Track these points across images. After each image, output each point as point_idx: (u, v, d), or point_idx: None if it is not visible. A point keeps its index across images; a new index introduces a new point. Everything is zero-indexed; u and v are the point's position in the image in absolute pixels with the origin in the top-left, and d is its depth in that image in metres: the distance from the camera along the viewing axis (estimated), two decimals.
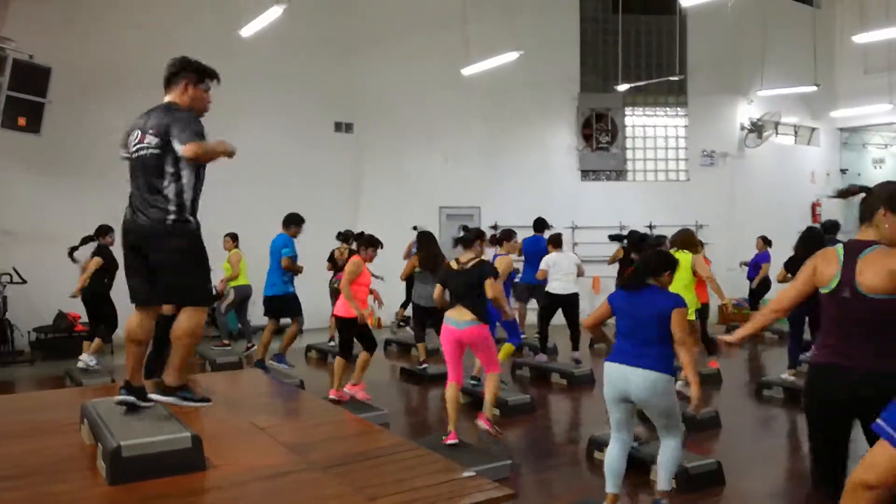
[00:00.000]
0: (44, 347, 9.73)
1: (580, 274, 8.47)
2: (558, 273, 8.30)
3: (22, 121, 7.94)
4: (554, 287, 8.32)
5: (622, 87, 12.37)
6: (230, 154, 3.38)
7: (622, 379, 3.85)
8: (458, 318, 5.22)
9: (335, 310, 6.75)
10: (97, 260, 7.89)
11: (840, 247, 2.98)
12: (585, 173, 13.51)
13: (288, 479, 3.10)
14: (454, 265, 5.45)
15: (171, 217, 3.34)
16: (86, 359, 7.96)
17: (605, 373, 3.97)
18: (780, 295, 3.22)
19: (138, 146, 3.43)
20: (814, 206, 15.03)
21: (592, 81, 13.46)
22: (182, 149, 3.26)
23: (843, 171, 15.88)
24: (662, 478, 4.08)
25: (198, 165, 3.41)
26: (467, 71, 10.68)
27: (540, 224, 9.80)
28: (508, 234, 8.01)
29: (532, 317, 10.82)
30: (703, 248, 7.13)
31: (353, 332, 6.51)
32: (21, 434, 3.73)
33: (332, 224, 11.46)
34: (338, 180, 12.39)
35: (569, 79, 13.27)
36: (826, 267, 2.96)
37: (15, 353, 9.44)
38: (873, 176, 16.83)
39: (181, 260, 3.38)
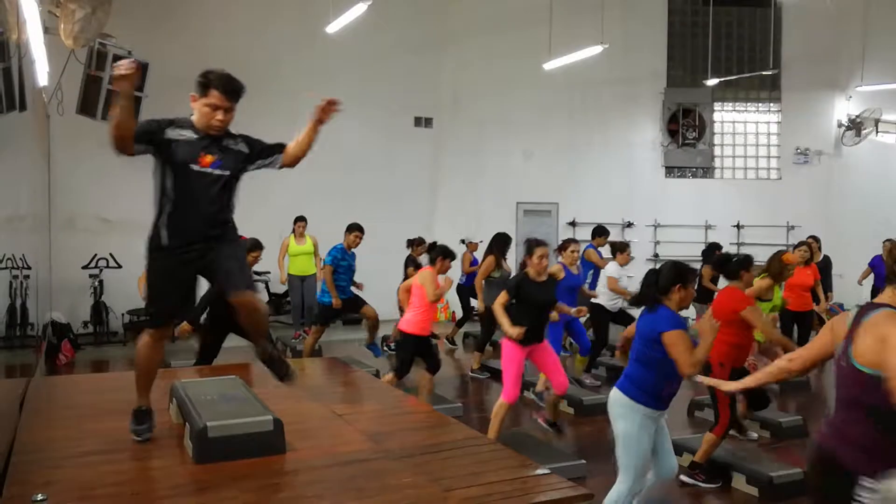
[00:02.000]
0: (136, 329, 10.21)
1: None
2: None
3: None
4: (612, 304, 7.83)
5: (711, 82, 11.95)
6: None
7: None
8: None
9: (400, 323, 6.22)
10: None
11: (856, 307, 2.50)
12: (670, 170, 13.13)
13: (364, 466, 3.14)
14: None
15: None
16: None
17: None
18: (801, 351, 2.68)
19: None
20: None
21: (680, 76, 13.07)
22: None
23: None
24: None
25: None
26: (549, 66, 10.54)
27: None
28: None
29: None
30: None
31: (412, 351, 5.94)
32: (116, 411, 3.91)
33: (410, 218, 11.60)
34: (416, 174, 12.49)
35: (655, 73, 12.92)
36: (840, 328, 2.43)
37: (110, 334, 9.96)
38: None
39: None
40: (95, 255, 9.88)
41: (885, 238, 9.77)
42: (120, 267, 9.97)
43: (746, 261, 5.08)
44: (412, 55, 12.16)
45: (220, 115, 3.27)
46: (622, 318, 7.75)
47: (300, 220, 9.59)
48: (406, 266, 9.29)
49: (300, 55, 11.23)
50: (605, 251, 8.82)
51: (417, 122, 12.68)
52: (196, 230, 3.26)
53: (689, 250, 11.94)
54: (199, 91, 3.30)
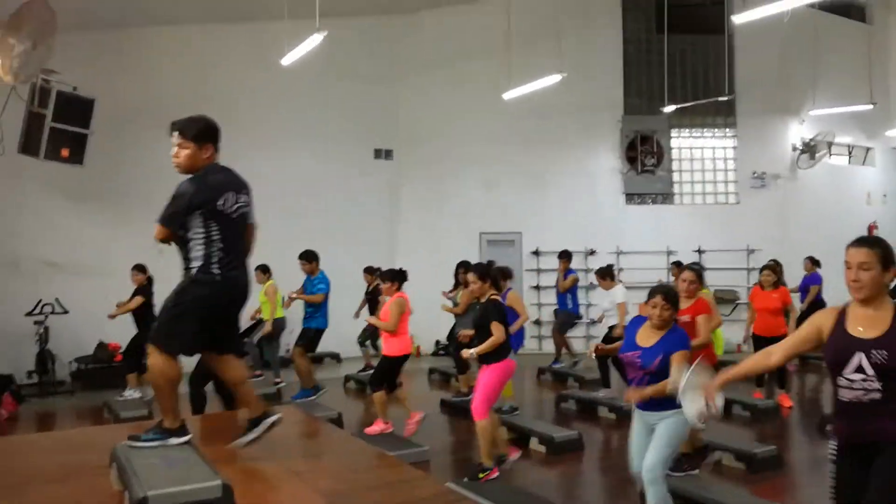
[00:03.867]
0: (84, 377, 9.73)
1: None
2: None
3: (65, 152, 7.94)
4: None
5: (668, 109, 12.05)
6: None
7: None
8: None
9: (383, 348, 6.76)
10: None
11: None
12: (630, 196, 13.16)
13: None
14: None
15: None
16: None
17: None
18: (781, 344, 2.96)
19: (239, 206, 3.60)
20: (870, 229, 14.38)
21: (637, 103, 13.16)
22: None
23: None
24: None
25: None
26: (508, 95, 10.49)
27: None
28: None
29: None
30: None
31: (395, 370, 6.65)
32: (52, 478, 3.58)
33: (371, 250, 11.36)
34: (377, 206, 12.29)
35: (612, 101, 12.99)
36: (827, 323, 2.78)
37: (56, 384, 9.43)
38: None
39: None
40: (40, 300, 9.38)
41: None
42: (66, 312, 9.48)
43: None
44: (370, 86, 12.04)
45: (172, 152, 3.62)
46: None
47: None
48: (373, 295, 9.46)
49: (256, 89, 11.00)
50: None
51: (377, 153, 12.51)
52: None
53: (650, 276, 11.91)
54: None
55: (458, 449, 6.80)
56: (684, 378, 3.13)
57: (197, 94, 10.43)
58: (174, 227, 3.51)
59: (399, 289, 6.66)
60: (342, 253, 10.47)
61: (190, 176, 3.53)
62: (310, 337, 7.89)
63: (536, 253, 12.63)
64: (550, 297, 12.37)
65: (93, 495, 3.30)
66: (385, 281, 6.72)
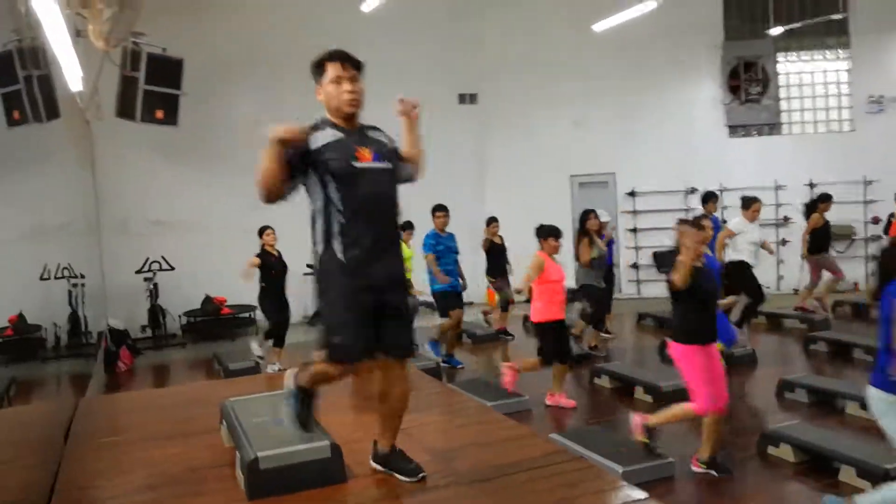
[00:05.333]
0: (193, 330, 10.16)
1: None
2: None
3: (159, 113, 8.08)
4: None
5: (774, 31, 11.11)
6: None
7: None
8: None
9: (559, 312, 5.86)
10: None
11: None
12: (734, 129, 12.33)
13: (434, 495, 2.78)
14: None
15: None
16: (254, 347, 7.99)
17: None
18: None
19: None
20: None
21: (738, 27, 12.19)
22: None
23: None
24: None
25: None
26: (599, 27, 9.92)
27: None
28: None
29: None
30: None
31: (549, 337, 5.82)
32: (165, 435, 3.68)
33: (460, 199, 11.18)
34: (464, 153, 12.03)
35: (711, 25, 12.08)
36: None
37: (168, 337, 9.90)
38: None
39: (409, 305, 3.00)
40: (148, 258, 9.79)
41: None
42: (173, 269, 9.87)
43: None
44: (452, 29, 11.68)
45: (347, 87, 2.88)
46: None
47: None
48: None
49: (338, 36, 10.83)
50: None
51: (462, 98, 12.20)
52: (375, 241, 2.80)
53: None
54: (316, 78, 2.94)
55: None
56: None
57: (279, 49, 10.44)
58: None
59: None
60: (435, 201, 10.36)
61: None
62: (443, 303, 7.72)
63: (632, 194, 12.11)
64: (648, 240, 11.93)
65: (205, 453, 3.36)
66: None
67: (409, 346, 2.98)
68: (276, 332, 7.42)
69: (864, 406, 5.45)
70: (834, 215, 9.41)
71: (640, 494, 2.66)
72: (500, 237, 9.18)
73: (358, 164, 2.80)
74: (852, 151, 11.99)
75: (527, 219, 10.01)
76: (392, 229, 2.95)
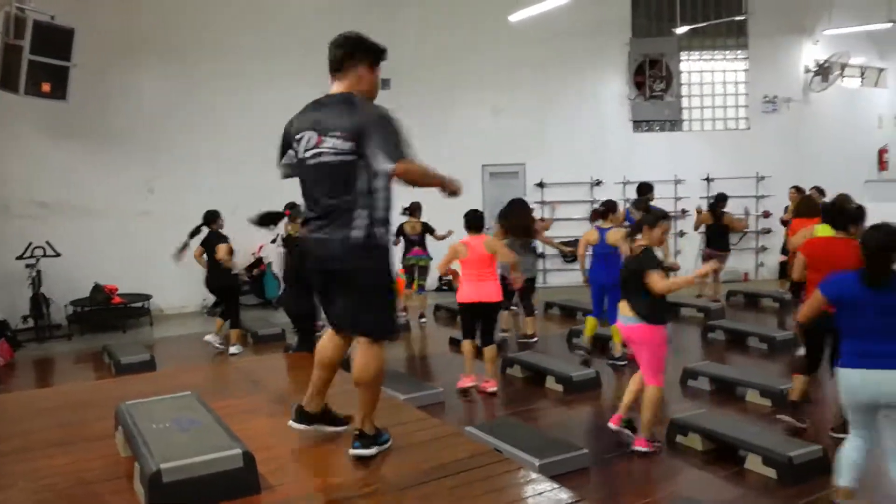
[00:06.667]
0: (81, 321, 9.47)
1: None
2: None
3: (46, 86, 7.42)
4: None
5: (680, 30, 11.45)
6: (453, 191, 2.97)
7: (875, 384, 3.32)
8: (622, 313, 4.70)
9: (475, 295, 6.03)
10: (228, 247, 7.53)
11: None
12: (639, 124, 12.67)
13: None
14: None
15: (362, 235, 2.79)
16: (211, 338, 8.00)
17: (848, 382, 3.42)
18: None
19: (315, 151, 2.85)
20: (881, 153, 14.03)
21: (646, 25, 12.51)
22: (391, 168, 2.73)
23: None
24: None
25: None
26: (515, 17, 9.90)
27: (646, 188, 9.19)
28: (614, 206, 7.34)
29: None
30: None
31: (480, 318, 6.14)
32: (51, 443, 3.32)
33: None
34: None
35: (621, 22, 12.35)
36: None
37: (52, 328, 9.17)
38: None
39: (369, 284, 2.87)
40: (31, 243, 9.01)
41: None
42: (59, 255, 9.13)
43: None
44: (368, 15, 11.35)
45: None
46: None
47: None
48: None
49: (243, 19, 10.42)
50: None
51: None
52: None
53: (659, 206, 11.58)
54: (373, 60, 3.04)
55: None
56: None
57: (187, 26, 9.88)
58: None
59: (473, 231, 6.24)
60: None
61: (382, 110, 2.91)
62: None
63: (541, 185, 12.24)
64: (555, 230, 12.07)
65: (98, 464, 3.04)
66: None
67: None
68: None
69: (763, 394, 5.75)
70: (728, 209, 9.84)
71: (567, 496, 2.60)
72: (423, 224, 9.18)
73: None
74: (747, 148, 12.58)
75: (440, 208, 9.94)
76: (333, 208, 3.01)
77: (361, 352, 2.90)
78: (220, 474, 2.63)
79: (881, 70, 14.18)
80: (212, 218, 7.63)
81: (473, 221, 6.17)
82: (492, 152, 12.15)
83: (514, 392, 6.31)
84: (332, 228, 2.81)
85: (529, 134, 12.12)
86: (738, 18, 11.39)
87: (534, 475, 2.95)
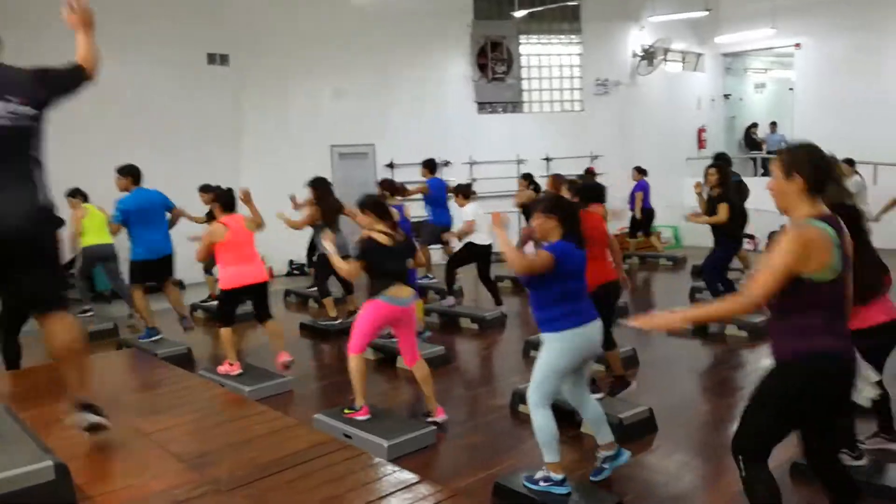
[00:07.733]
0: None
1: None
2: (482, 225, 7.92)
3: None
4: (480, 238, 7.98)
5: (518, 14, 11.81)
6: None
7: (586, 339, 3.60)
8: (403, 296, 4.68)
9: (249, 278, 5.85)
10: None
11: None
12: (482, 105, 12.98)
13: None
14: (385, 240, 4.69)
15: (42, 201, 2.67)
16: None
17: (570, 341, 3.56)
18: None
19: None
20: (700, 133, 15.29)
21: (486, 7, 12.78)
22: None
23: (727, 97, 16.19)
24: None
25: None
26: None
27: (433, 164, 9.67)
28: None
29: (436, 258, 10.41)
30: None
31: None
32: None
33: (213, 169, 10.44)
34: (214, 119, 11.24)
35: (463, 4, 12.53)
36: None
37: None
38: (754, 100, 17.33)
39: (52, 254, 2.71)
40: None
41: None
42: None
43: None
44: None
45: None
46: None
47: None
48: None
49: None
50: None
51: (211, 58, 11.33)
52: None
53: (503, 186, 12.00)
54: None
55: (323, 376, 6.52)
56: None
57: None
58: None
59: (228, 211, 5.87)
60: (184, 170, 9.63)
61: None
62: (133, 271, 7.02)
63: (391, 166, 12.24)
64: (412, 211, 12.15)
65: None
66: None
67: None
68: None
69: (598, 361, 6.10)
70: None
71: (409, 477, 2.63)
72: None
73: None
74: (582, 129, 13.26)
75: (286, 187, 9.68)
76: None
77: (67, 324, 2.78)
78: (30, 489, 2.41)
79: (699, 55, 15.39)
80: None
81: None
82: (340, 133, 11.98)
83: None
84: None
85: (376, 114, 12.07)
86: (571, 3, 11.91)
87: (376, 459, 2.95)
